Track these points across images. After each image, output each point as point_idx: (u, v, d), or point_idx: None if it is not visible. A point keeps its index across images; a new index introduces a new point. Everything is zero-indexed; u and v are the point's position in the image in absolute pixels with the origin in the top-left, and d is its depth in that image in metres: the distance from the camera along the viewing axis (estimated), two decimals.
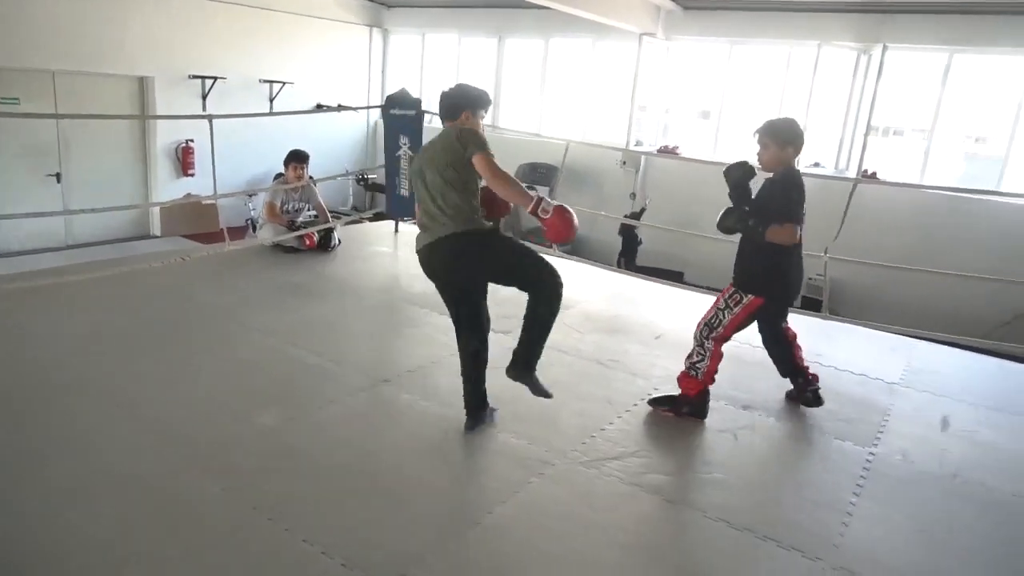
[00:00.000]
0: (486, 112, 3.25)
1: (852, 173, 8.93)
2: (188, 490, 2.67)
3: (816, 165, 9.21)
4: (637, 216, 9.42)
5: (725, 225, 3.39)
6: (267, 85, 11.04)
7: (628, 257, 9.75)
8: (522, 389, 3.08)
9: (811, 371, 3.72)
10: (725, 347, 3.50)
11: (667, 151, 10.10)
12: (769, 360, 4.34)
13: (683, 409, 3.52)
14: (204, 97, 10.28)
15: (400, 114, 6.24)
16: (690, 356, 3.49)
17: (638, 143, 10.31)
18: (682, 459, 3.20)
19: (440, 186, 3.00)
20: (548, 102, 11.37)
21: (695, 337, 3.48)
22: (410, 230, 6.47)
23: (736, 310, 3.39)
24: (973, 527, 2.85)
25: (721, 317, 3.41)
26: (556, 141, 8.28)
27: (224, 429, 3.10)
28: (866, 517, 2.83)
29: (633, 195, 10.22)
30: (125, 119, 10.09)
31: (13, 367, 3.55)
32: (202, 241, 9.74)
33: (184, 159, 10.24)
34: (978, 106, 8.71)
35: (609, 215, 8.37)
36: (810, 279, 9.17)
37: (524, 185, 3.10)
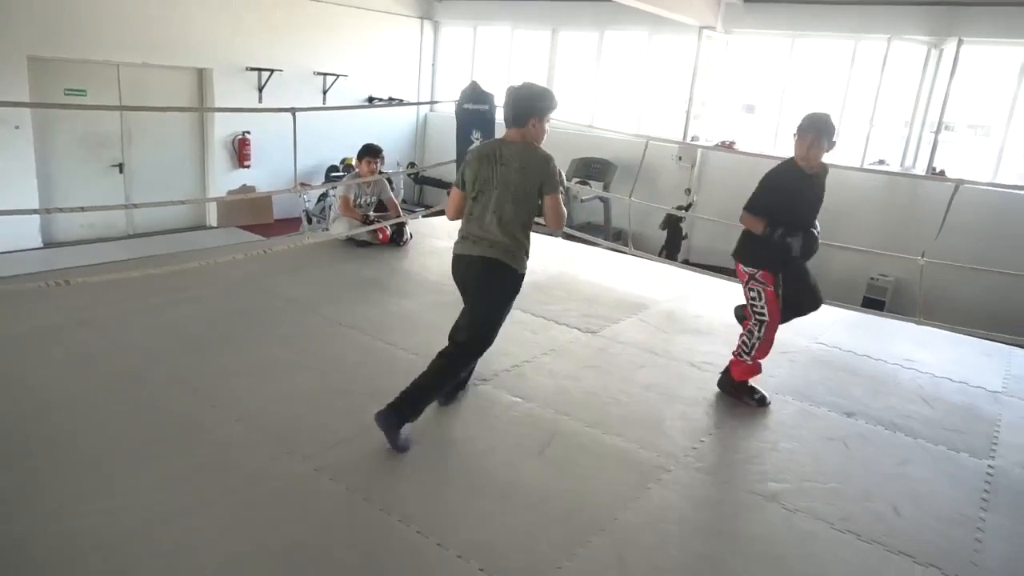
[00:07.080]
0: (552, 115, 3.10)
1: (919, 171, 8.72)
2: (297, 483, 2.68)
3: (881, 163, 8.99)
4: (684, 210, 9.30)
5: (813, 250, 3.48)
6: (321, 78, 11.09)
7: (671, 251, 9.63)
8: (632, 390, 2.99)
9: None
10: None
11: (725, 146, 9.93)
12: (862, 365, 4.28)
13: (753, 396, 3.65)
14: (260, 89, 10.35)
15: (473, 108, 6.18)
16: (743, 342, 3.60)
17: (694, 138, 10.15)
18: (795, 467, 3.11)
19: (510, 207, 2.97)
20: (602, 96, 11.24)
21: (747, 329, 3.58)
22: None
23: (762, 291, 3.47)
24: None
25: (758, 307, 3.50)
26: (619, 137, 8.14)
27: (328, 425, 3.09)
28: (1001, 534, 2.73)
29: (688, 191, 10.09)
30: (192, 111, 10.18)
31: (108, 360, 3.58)
32: (256, 231, 9.83)
33: (240, 151, 10.33)
34: None
35: (663, 207, 8.25)
36: (872, 279, 8.99)
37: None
